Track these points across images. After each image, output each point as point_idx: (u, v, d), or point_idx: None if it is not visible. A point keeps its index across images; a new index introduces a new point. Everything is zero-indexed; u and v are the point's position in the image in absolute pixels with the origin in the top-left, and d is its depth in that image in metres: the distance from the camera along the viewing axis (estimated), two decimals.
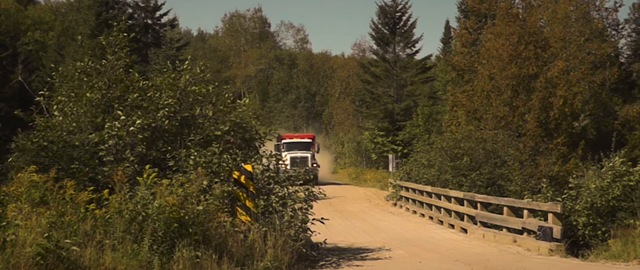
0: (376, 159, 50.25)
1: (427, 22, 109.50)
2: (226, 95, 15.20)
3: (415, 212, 25.48)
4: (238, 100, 15.59)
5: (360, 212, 27.20)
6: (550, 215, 14.93)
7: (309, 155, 41.20)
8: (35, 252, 8.34)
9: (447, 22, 61.44)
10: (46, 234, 8.68)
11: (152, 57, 42.19)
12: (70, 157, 12.92)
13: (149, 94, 14.19)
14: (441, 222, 21.77)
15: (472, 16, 35.06)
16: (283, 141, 43.26)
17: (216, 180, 12.58)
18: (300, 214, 13.23)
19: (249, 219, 12.22)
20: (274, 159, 14.33)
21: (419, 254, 14.87)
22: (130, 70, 14.90)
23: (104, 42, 15.05)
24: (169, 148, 13.66)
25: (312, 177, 43.15)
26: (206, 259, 10.35)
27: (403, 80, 50.51)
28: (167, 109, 13.76)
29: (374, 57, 53.41)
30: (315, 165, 40.64)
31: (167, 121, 13.71)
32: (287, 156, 38.57)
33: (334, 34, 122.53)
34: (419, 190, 25.07)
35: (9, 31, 45.61)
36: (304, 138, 44.62)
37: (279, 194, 13.69)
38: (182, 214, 10.52)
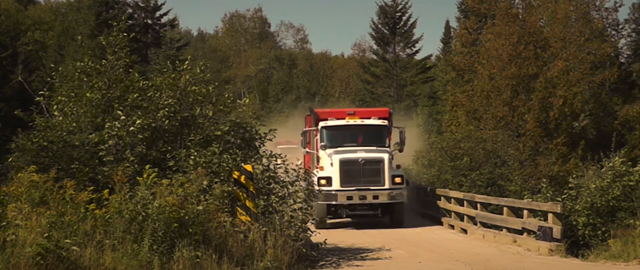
0: None
1: (427, 22, 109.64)
2: (226, 95, 15.21)
3: None
4: (238, 101, 15.60)
5: None
6: (550, 215, 14.93)
7: (384, 156, 20.19)
8: (35, 252, 8.35)
9: (447, 22, 61.35)
10: (46, 234, 8.69)
11: (152, 57, 42.16)
12: (70, 157, 12.93)
13: (149, 94, 14.20)
14: (441, 223, 21.73)
15: (472, 16, 35.02)
16: (322, 124, 21.85)
17: (216, 180, 12.59)
18: (300, 214, 13.23)
19: (249, 219, 12.23)
20: (275, 159, 14.22)
21: (419, 254, 14.86)
22: (130, 70, 14.92)
23: (104, 42, 15.06)
24: (169, 148, 13.67)
25: (392, 207, 20.24)
26: (206, 259, 10.36)
27: (403, 80, 50.51)
28: (167, 109, 13.78)
29: (374, 57, 53.42)
30: (398, 179, 20.13)
31: (167, 121, 13.72)
32: (332, 159, 20.14)
33: (334, 34, 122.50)
34: None
35: (9, 31, 45.51)
36: (369, 117, 22.29)
37: (279, 194, 13.68)
38: (182, 214, 10.54)
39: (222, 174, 12.80)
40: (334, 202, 20.03)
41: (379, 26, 50.70)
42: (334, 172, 20.02)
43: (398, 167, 20.98)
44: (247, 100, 16.54)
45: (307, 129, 22.78)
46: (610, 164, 16.65)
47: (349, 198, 19.93)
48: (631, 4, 47.70)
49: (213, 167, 12.80)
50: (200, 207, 10.99)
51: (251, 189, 12.55)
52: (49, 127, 13.84)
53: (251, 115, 15.54)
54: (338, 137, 21.72)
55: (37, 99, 15.06)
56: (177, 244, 10.23)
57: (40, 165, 12.06)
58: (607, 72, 31.21)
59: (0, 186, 11.06)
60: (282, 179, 14.01)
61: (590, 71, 30.28)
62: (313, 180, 18.11)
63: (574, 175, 18.77)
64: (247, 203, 12.46)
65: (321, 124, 22.06)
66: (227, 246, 11.12)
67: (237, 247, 11.36)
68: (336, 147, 21.04)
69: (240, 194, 12.52)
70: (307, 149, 22.16)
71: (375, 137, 21.77)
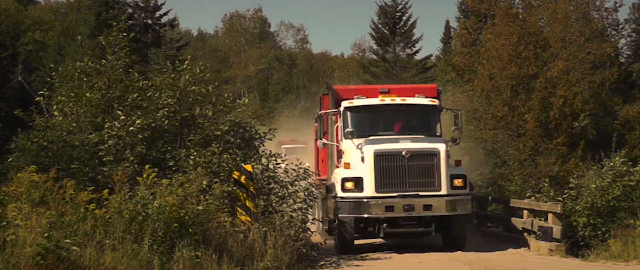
0: None
1: (427, 22, 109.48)
2: (226, 95, 15.23)
3: None
4: (237, 101, 15.60)
5: None
6: (550, 216, 14.94)
7: (439, 147, 14.78)
8: (35, 252, 8.36)
9: (447, 22, 61.29)
10: (46, 234, 8.70)
11: (152, 57, 42.14)
12: (70, 157, 12.96)
13: (148, 94, 14.22)
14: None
15: (472, 16, 35.01)
16: (345, 105, 16.15)
17: (216, 180, 12.59)
18: (300, 214, 13.23)
19: (249, 219, 12.23)
20: (274, 159, 14.21)
21: (419, 254, 14.81)
22: (130, 70, 14.94)
23: (103, 42, 15.09)
24: (169, 148, 13.68)
25: (450, 222, 14.65)
26: (206, 259, 10.36)
27: (403, 80, 50.31)
28: (166, 109, 13.79)
29: (374, 57, 53.37)
30: (459, 181, 14.79)
31: (167, 121, 13.74)
32: (363, 151, 14.79)
33: (334, 34, 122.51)
34: None
35: (9, 31, 45.56)
36: (411, 96, 16.58)
37: (279, 194, 13.68)
38: (182, 214, 10.54)
39: (222, 174, 12.81)
40: (365, 215, 14.38)
41: (379, 26, 50.64)
42: (366, 171, 14.47)
43: (458, 164, 15.34)
44: (247, 100, 16.53)
45: (323, 111, 16.41)
46: (611, 164, 16.66)
47: (389, 209, 14.42)
48: (631, 4, 47.67)
49: (213, 167, 12.81)
50: (200, 207, 11.00)
51: (251, 189, 12.55)
52: (49, 127, 13.87)
53: (250, 114, 15.53)
54: (367, 123, 15.98)
55: (37, 99, 15.10)
56: (177, 244, 10.23)
57: (40, 165, 12.08)
58: (607, 72, 31.19)
59: (0, 186, 11.07)
60: (282, 179, 14.00)
61: (590, 71, 30.26)
62: (333, 183, 14.82)
63: (575, 176, 18.78)
64: (247, 203, 12.46)
65: (344, 104, 16.02)
66: (227, 246, 11.13)
67: (237, 247, 11.36)
68: (364, 134, 15.34)
69: (240, 194, 12.52)
70: (325, 140, 16.01)
71: (421, 122, 16.10)
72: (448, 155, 14.67)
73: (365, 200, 14.37)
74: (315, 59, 78.63)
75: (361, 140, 14.96)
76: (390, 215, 14.43)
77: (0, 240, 8.45)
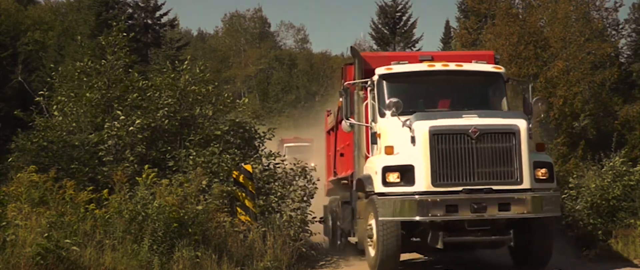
0: None
1: (427, 22, 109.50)
2: (226, 95, 15.24)
3: None
4: (237, 100, 15.62)
5: None
6: None
7: (519, 124, 10.68)
8: (35, 252, 8.37)
9: (447, 22, 61.26)
10: (46, 234, 8.72)
11: (152, 57, 42.18)
12: (70, 157, 12.98)
13: (148, 94, 14.24)
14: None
15: (472, 16, 35.03)
16: (381, 72, 12.03)
17: (215, 180, 12.60)
18: (299, 213, 13.22)
19: (249, 219, 12.23)
20: (273, 158, 14.20)
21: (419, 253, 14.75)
22: (130, 70, 14.97)
23: (103, 42, 15.12)
24: (169, 148, 13.69)
25: (532, 228, 11.03)
26: (206, 259, 10.37)
27: None
28: (166, 109, 13.80)
29: None
30: (543, 171, 10.86)
31: (166, 121, 13.75)
32: (413, 129, 10.80)
33: (334, 34, 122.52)
34: None
35: (9, 31, 45.61)
36: (467, 62, 12.38)
37: (278, 194, 13.68)
38: (181, 214, 10.56)
39: (222, 174, 12.82)
40: (417, 218, 10.60)
41: (379, 26, 50.77)
42: (419, 156, 10.68)
43: (540, 148, 11.58)
44: (246, 100, 16.55)
45: (351, 81, 12.36)
46: (611, 164, 16.65)
47: (451, 209, 10.62)
48: (631, 4, 47.67)
49: (212, 167, 12.81)
50: (199, 207, 11.01)
51: (250, 189, 12.55)
52: (49, 127, 13.89)
53: (250, 114, 15.56)
54: (409, 97, 11.73)
55: (37, 99, 15.15)
56: (177, 244, 10.24)
57: (40, 165, 12.11)
58: (607, 72, 31.21)
59: (0, 186, 11.10)
60: (281, 178, 13.99)
61: (590, 71, 30.27)
62: (368, 176, 11.31)
63: (575, 176, 18.77)
64: (247, 203, 12.46)
65: (380, 71, 12.12)
66: (226, 246, 11.14)
67: (237, 247, 11.37)
68: (411, 113, 11.11)
69: (240, 193, 12.52)
70: (352, 120, 12.05)
71: (482, 96, 12.35)
72: (529, 136, 10.92)
73: (417, 197, 10.57)
74: (315, 59, 78.62)
75: (409, 117, 11.01)
76: (452, 218, 10.61)
77: (0, 240, 8.47)
